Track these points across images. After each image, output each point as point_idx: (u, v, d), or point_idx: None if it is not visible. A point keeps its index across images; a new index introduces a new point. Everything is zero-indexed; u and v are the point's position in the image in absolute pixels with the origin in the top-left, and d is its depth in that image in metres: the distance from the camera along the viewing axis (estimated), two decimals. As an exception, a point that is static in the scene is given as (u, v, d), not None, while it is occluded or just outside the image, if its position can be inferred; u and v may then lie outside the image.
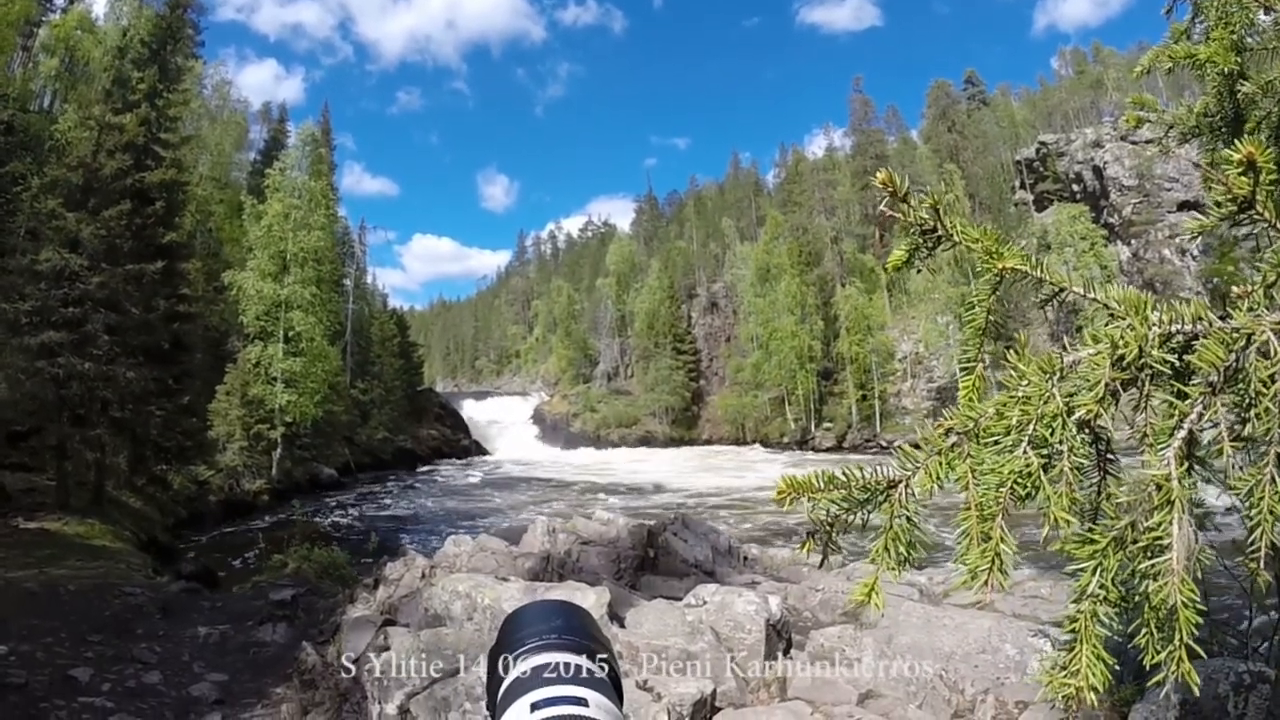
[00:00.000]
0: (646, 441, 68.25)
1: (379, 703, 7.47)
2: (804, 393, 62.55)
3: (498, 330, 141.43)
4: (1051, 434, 0.98)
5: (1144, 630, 0.89)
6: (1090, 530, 0.96)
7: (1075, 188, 64.80)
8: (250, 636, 9.92)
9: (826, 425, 62.60)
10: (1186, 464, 0.94)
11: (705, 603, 8.70)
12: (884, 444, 54.67)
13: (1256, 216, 1.07)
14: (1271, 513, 0.92)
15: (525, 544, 12.57)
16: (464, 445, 60.17)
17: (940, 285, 59.27)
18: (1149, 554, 0.89)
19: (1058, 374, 1.03)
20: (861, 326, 62.94)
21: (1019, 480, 0.97)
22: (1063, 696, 0.91)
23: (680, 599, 9.11)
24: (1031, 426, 0.99)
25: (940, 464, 1.04)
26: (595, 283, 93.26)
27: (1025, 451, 0.98)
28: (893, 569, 1.04)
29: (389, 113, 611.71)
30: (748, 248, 75.11)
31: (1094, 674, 0.89)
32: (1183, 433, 0.95)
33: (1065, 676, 0.90)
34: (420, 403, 58.95)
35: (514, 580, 9.73)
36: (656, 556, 12.94)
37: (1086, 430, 1.00)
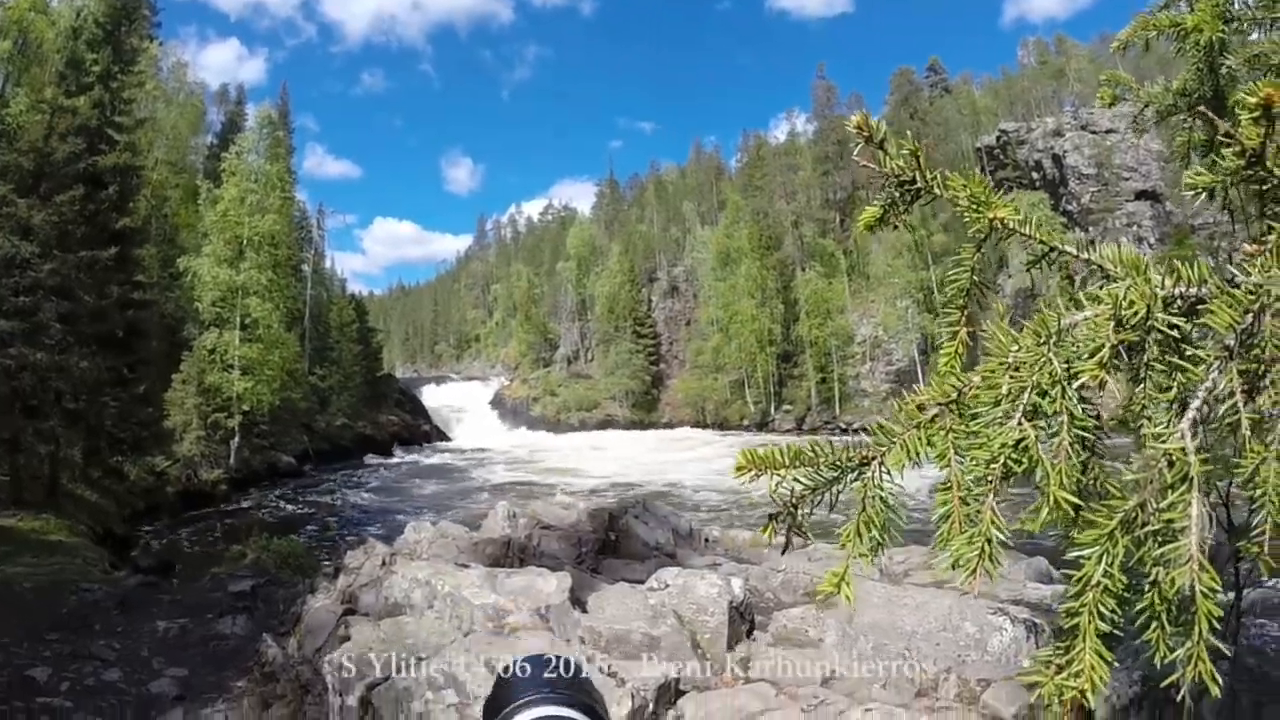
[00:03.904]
0: (607, 425, 68.12)
1: (340, 695, 7.35)
2: (763, 375, 62.79)
3: (457, 315, 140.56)
4: (1050, 403, 0.87)
5: (1153, 624, 0.78)
6: (1095, 512, 0.84)
7: (1035, 175, 65.39)
8: (210, 629, 9.80)
9: (786, 408, 62.89)
10: (1201, 438, 0.83)
11: (667, 586, 8.62)
12: (843, 426, 54.95)
13: (1265, 173, 0.96)
14: (1277, 493, 0.82)
15: (486, 529, 12.44)
16: (424, 431, 59.64)
17: (900, 270, 59.65)
18: (1161, 538, 0.78)
19: (1054, 337, 0.92)
20: (821, 310, 63.20)
21: (1013, 455, 0.85)
22: (1062, 700, 0.80)
23: (642, 582, 9.03)
24: (1026, 395, 0.88)
25: (918, 439, 0.92)
26: (555, 266, 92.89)
27: (1020, 423, 0.87)
28: (864, 555, 0.92)
29: (352, 94, 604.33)
30: (708, 232, 75.17)
31: (1097, 675, 0.78)
32: (1197, 401, 0.84)
33: (1066, 678, 0.79)
34: (380, 389, 58.23)
35: (474, 567, 9.60)
36: (617, 540, 12.88)
37: (1089, 401, 0.89)
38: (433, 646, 7.61)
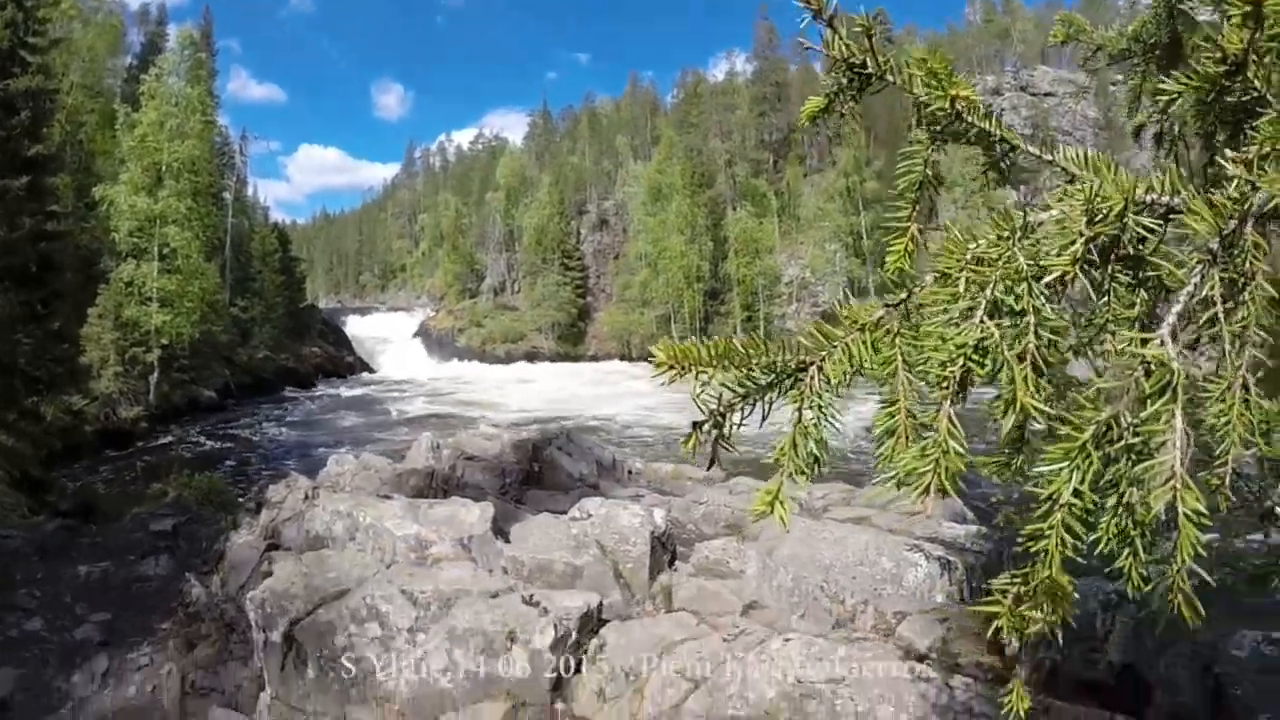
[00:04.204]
0: (532, 357, 67.82)
1: (263, 632, 7.21)
2: (690, 312, 63.01)
3: (383, 244, 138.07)
4: (1016, 300, 0.76)
5: (1125, 551, 0.69)
6: (1066, 424, 0.74)
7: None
8: (132, 572, 9.58)
9: (711, 344, 63.35)
10: (1180, 348, 0.74)
11: (590, 516, 8.59)
12: (767, 365, 55.52)
13: (1246, 84, 0.86)
14: (1241, 423, 0.73)
15: (409, 461, 12.34)
16: (348, 363, 58.63)
17: (831, 213, 60.11)
18: (1136, 455, 0.69)
19: (1018, 234, 0.81)
20: (750, 249, 63.47)
21: (974, 356, 0.75)
22: (1021, 634, 0.71)
23: (565, 513, 8.99)
24: (989, 290, 0.77)
25: (862, 343, 0.82)
26: (484, 197, 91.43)
27: (982, 320, 0.76)
28: (801, 473, 0.82)
29: (279, 15, 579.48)
30: (641, 166, 74.60)
31: (1064, 605, 0.69)
32: (1178, 307, 0.75)
33: (1028, 607, 0.70)
34: (303, 320, 56.91)
35: (396, 498, 9.48)
36: (541, 471, 12.88)
37: (1059, 297, 0.79)
38: (355, 579, 7.51)
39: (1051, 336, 0.76)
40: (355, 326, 73.34)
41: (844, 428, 0.83)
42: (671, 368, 0.82)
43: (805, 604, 7.81)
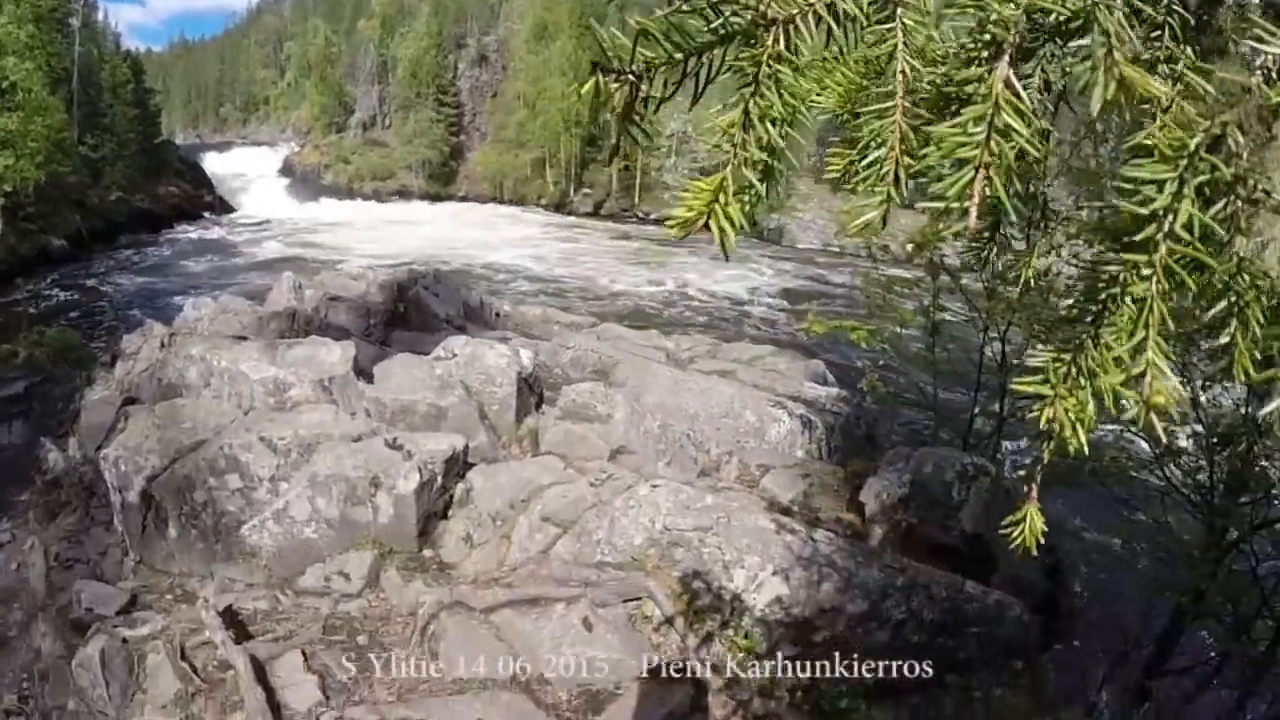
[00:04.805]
0: (402, 195, 65.75)
1: (120, 492, 6.85)
2: (566, 157, 61.85)
3: (246, 74, 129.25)
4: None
5: (1232, 321, 0.46)
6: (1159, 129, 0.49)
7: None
8: None
9: (586, 191, 62.42)
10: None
11: (455, 355, 8.32)
12: (640, 215, 56.07)
13: None
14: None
15: (270, 303, 11.86)
16: (207, 202, 55.35)
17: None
18: (1250, 193, 0.45)
19: None
20: (633, 97, 62.09)
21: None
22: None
23: (430, 354, 8.70)
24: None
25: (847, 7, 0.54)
26: (357, 25, 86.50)
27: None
28: (754, 166, 0.55)
29: None
30: (527, 1, 71.21)
31: (1168, 384, 0.45)
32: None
33: (1111, 383, 0.46)
34: (158, 157, 53.10)
35: (252, 339, 8.99)
36: (407, 311, 12.54)
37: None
38: (212, 429, 7.16)
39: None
40: (215, 163, 68.69)
41: (811, 125, 0.58)
42: None
43: (672, 451, 7.83)
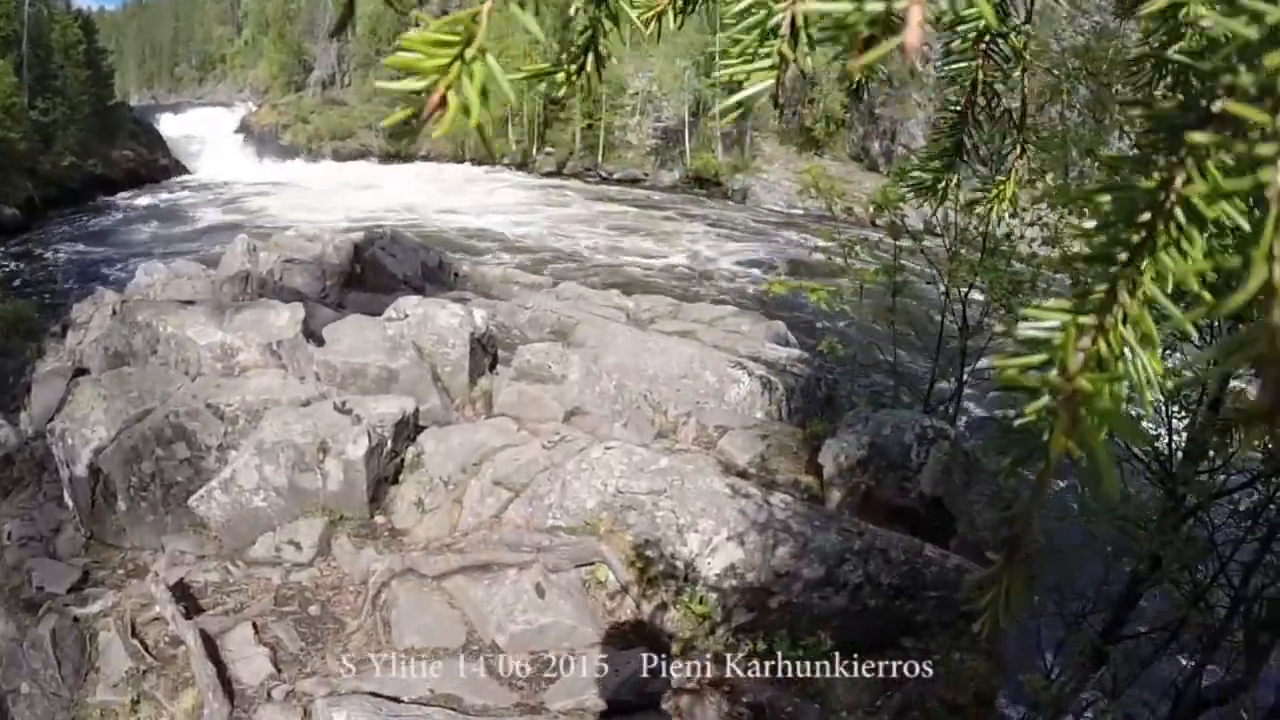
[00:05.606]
0: (362, 155, 64.69)
1: (68, 466, 6.65)
2: (529, 115, 61.10)
3: (201, 32, 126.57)
4: None
5: None
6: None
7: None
8: None
9: (548, 150, 61.78)
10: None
11: (406, 316, 8.14)
12: (604, 175, 55.90)
13: None
14: None
15: (224, 266, 11.63)
16: (162, 165, 54.21)
17: (687, 30, 58.36)
18: None
19: None
20: (597, 54, 61.42)
21: None
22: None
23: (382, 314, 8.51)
24: None
25: None
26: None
27: None
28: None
29: None
30: (486, -46, 70.02)
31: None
32: None
33: None
34: (111, 120, 51.56)
35: (199, 303, 8.74)
36: (364, 273, 12.33)
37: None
38: (159, 397, 6.94)
39: None
40: (170, 125, 67.13)
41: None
42: None
43: (628, 413, 7.74)
